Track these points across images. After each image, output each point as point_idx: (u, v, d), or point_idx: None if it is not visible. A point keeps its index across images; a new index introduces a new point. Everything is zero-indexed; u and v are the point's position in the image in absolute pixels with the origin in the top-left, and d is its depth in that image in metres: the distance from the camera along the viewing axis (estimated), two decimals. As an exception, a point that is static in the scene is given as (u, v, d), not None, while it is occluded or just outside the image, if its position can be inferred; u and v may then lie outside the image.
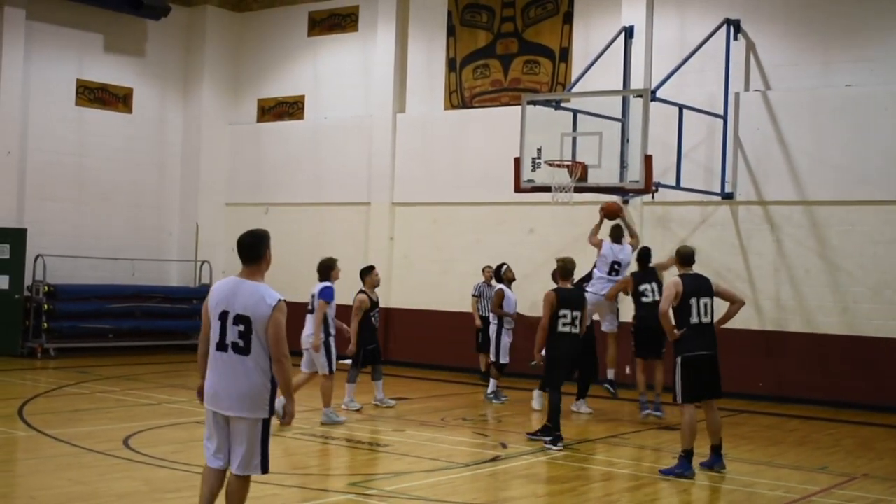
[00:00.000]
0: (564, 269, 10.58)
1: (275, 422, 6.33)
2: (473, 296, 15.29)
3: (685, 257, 9.42)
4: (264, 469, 5.88)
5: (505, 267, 13.78)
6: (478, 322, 14.89)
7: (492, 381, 13.53)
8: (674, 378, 9.04)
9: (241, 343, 5.76)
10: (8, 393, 13.47)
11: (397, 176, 18.34)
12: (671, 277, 9.41)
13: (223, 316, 5.81)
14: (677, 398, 9.00)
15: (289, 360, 5.81)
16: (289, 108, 19.95)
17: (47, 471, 8.74)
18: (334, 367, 11.27)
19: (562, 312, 10.23)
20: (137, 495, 7.97)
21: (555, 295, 10.29)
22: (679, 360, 8.98)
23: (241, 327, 5.76)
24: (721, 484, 8.80)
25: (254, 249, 6.00)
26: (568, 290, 10.45)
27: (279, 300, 5.80)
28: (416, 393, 14.14)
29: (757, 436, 11.64)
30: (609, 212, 13.10)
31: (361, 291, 12.70)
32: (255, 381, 5.78)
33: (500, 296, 13.40)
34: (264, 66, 20.36)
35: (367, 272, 12.86)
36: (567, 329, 10.26)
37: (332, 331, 11.34)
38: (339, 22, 19.30)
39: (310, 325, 11.20)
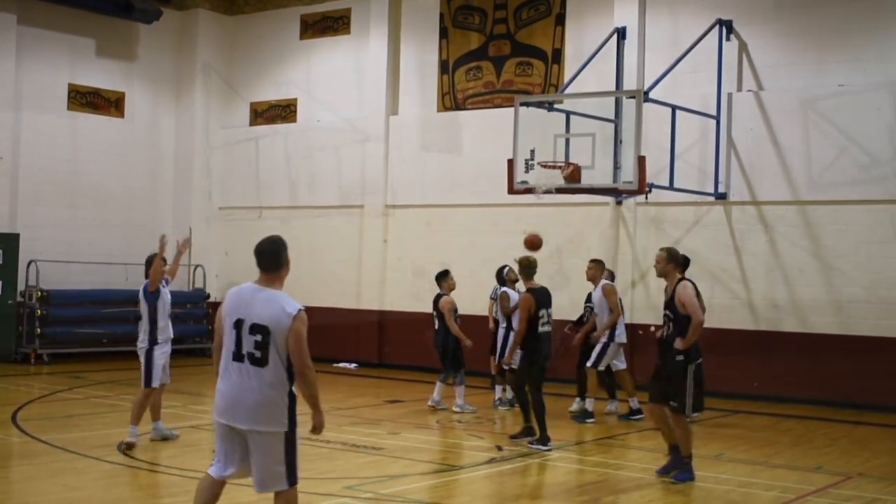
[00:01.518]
0: (530, 268, 10.55)
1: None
2: (491, 298, 14.76)
3: (685, 262, 9.38)
4: (291, 482, 5.62)
5: (507, 269, 13.61)
6: (491, 325, 14.31)
7: (497, 388, 13.38)
8: (683, 385, 8.72)
9: (257, 354, 5.53)
10: (2, 399, 13.44)
11: (390, 178, 18.33)
12: (684, 284, 8.84)
13: (238, 324, 5.59)
14: (687, 408, 8.77)
15: (313, 371, 5.58)
16: (281, 112, 19.93)
17: (42, 477, 8.71)
18: (155, 381, 9.87)
19: (540, 312, 10.28)
20: (133, 501, 7.95)
21: (533, 297, 10.29)
22: (692, 368, 8.74)
23: (259, 337, 5.53)
24: (717, 485, 8.80)
25: (275, 257, 5.73)
26: (541, 289, 10.46)
27: (300, 309, 5.56)
28: (411, 395, 14.13)
29: (752, 436, 11.65)
30: (531, 244, 12.10)
31: (442, 295, 12.76)
32: (272, 394, 5.53)
33: (506, 298, 13.25)
34: (257, 69, 20.34)
35: (444, 276, 12.92)
36: (547, 328, 10.33)
37: (161, 337, 9.95)
38: (332, 25, 19.28)
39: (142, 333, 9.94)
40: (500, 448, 10.28)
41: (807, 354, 14.40)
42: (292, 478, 5.65)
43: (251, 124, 20.38)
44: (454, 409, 12.77)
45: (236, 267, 18.61)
